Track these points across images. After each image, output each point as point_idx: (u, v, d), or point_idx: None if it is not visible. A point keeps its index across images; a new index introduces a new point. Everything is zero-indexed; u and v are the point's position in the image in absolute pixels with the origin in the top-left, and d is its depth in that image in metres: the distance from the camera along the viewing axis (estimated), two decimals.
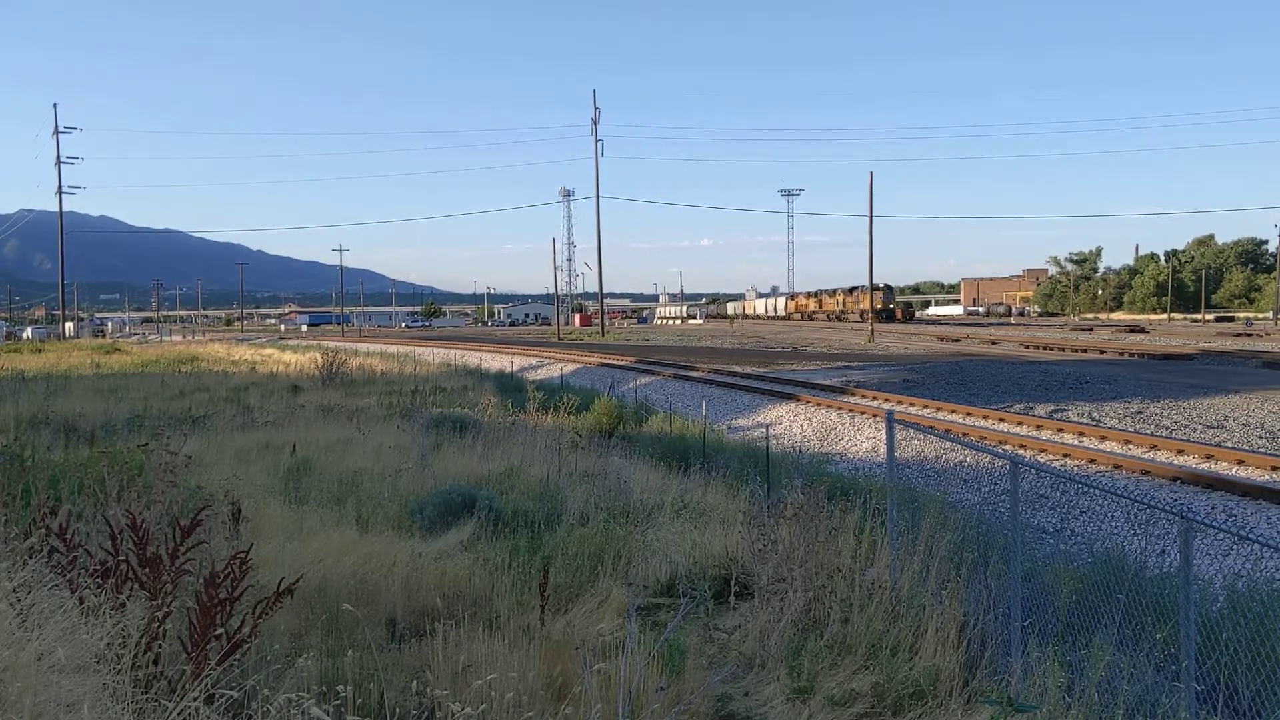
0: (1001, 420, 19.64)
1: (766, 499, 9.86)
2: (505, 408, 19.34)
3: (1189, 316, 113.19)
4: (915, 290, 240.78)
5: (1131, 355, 37.51)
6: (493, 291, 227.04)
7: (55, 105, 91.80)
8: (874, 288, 67.72)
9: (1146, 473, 13.98)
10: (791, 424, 21.70)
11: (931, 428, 13.02)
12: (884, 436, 9.90)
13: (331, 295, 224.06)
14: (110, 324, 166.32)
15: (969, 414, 20.57)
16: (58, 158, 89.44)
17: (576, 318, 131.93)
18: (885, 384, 27.22)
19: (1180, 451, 15.35)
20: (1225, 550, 10.30)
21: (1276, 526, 11.15)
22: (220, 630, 4.57)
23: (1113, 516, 11.36)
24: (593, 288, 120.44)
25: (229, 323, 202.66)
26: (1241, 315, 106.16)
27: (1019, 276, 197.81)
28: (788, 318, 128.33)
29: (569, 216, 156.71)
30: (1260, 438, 17.05)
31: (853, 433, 19.88)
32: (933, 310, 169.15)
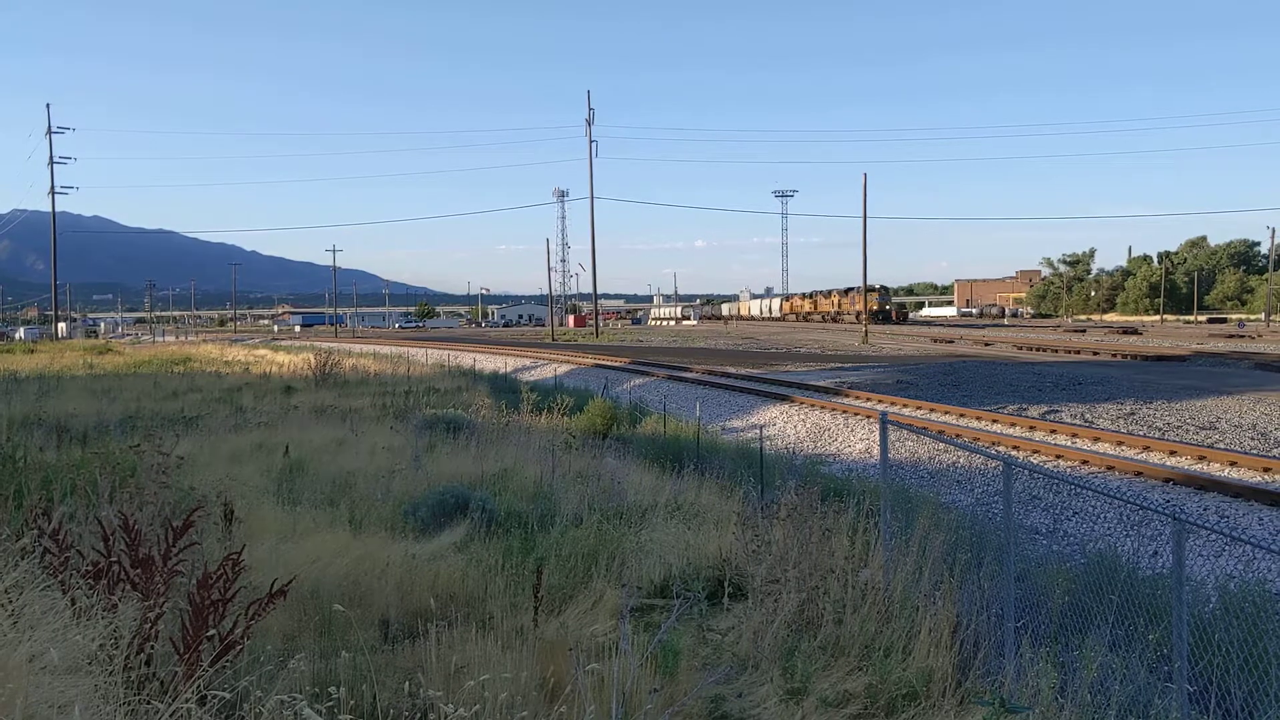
0: (995, 421, 19.69)
1: (760, 500, 9.85)
2: (499, 409, 19.34)
3: (1182, 318, 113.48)
4: (909, 291, 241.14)
5: (1124, 356, 37.59)
6: (487, 292, 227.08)
7: (48, 105, 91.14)
8: (869, 289, 67.82)
9: (1139, 474, 14.02)
10: (785, 425, 21.72)
11: (925, 429, 13.04)
12: (878, 438, 9.91)
13: (325, 296, 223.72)
14: (103, 324, 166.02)
15: (962, 415, 20.62)
16: (50, 158, 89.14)
17: (571, 319, 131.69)
18: (879, 385, 27.27)
19: (1173, 453, 15.40)
20: (1218, 551, 10.34)
21: (1269, 527, 11.19)
22: (213, 631, 4.55)
23: (1106, 517, 11.40)
24: (587, 289, 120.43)
25: (222, 323, 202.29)
26: (1234, 317, 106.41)
27: (1013, 278, 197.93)
28: (782, 319, 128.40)
29: (563, 217, 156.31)
30: (1252, 439, 17.11)
31: (847, 434, 19.90)
32: (926, 311, 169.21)
